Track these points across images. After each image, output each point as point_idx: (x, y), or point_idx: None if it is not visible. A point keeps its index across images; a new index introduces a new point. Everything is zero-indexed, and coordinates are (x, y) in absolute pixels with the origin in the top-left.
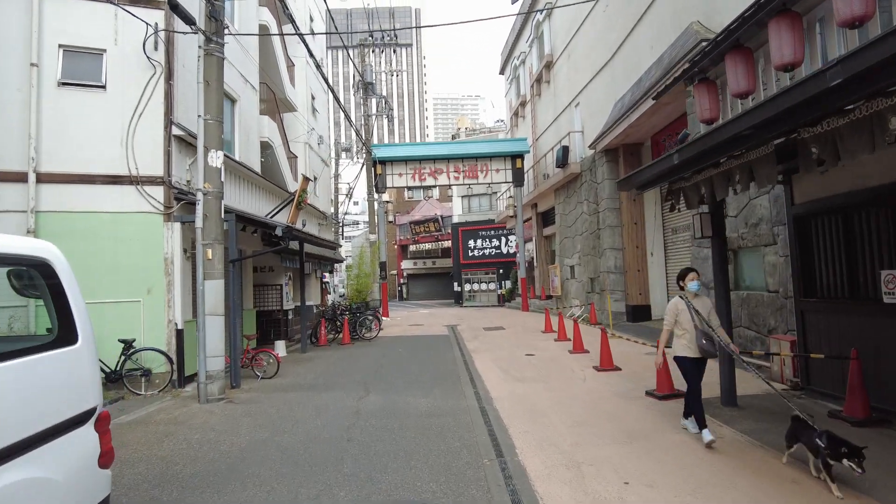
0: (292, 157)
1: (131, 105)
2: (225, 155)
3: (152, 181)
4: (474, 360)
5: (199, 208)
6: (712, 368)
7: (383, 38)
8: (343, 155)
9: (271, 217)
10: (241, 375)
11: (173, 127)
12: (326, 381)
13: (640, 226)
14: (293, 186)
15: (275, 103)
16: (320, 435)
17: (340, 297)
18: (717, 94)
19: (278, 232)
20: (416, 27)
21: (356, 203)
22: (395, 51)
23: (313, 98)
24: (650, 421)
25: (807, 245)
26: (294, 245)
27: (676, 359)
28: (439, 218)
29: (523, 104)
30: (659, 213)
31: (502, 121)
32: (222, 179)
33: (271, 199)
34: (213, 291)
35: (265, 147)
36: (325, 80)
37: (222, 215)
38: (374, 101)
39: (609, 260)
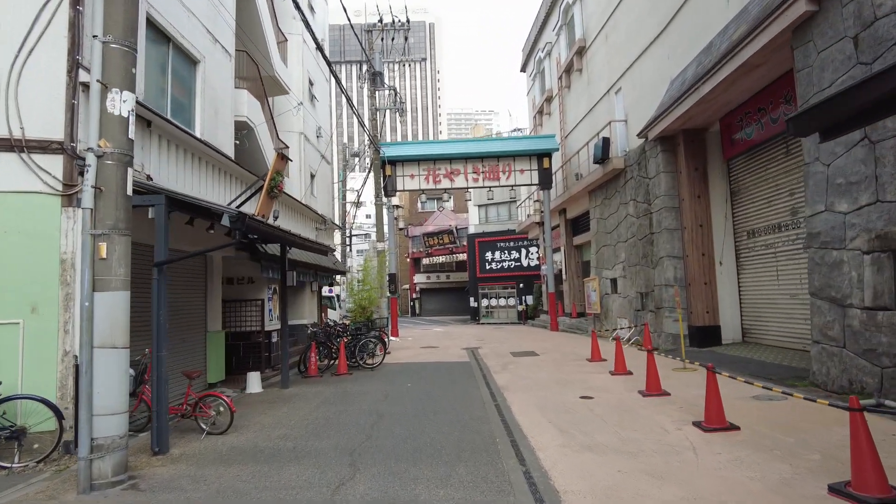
0: (283, 148)
1: (16, 37)
2: (179, 128)
3: (45, 147)
4: (510, 404)
5: (89, 178)
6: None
7: (394, 21)
8: (356, 165)
9: (237, 208)
10: (172, 431)
11: (81, 70)
12: (299, 442)
13: (707, 228)
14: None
15: (260, 82)
16: None
17: (348, 312)
18: None
19: (225, 221)
20: None
21: (368, 216)
22: (406, 38)
23: (311, 84)
24: None
25: None
26: (275, 249)
27: None
28: (454, 229)
29: (549, 100)
30: (730, 211)
31: (519, 129)
32: (131, 136)
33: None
34: (110, 309)
35: (242, 128)
36: (328, 61)
37: (128, 191)
38: (385, 110)
39: (667, 270)
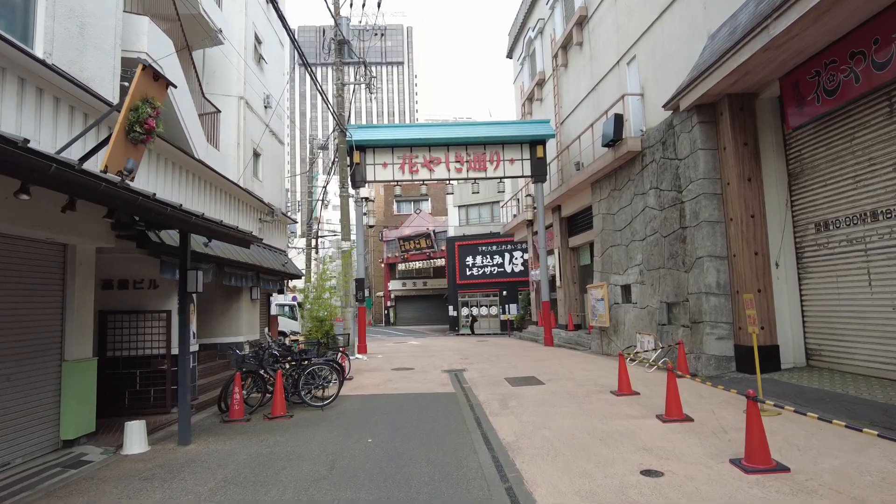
0: (212, 113)
1: None
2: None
3: None
4: (533, 489)
5: None
6: None
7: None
8: (331, 167)
9: (80, 159)
10: None
11: None
12: None
13: (760, 219)
14: (211, 156)
15: (178, 19)
16: None
17: (296, 330)
18: None
19: None
20: None
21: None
22: (379, 4)
23: (259, 42)
24: None
25: None
26: (174, 237)
27: None
28: (432, 233)
29: (540, 84)
30: (789, 198)
31: None
32: None
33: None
34: None
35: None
36: (282, 17)
37: None
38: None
39: (707, 274)
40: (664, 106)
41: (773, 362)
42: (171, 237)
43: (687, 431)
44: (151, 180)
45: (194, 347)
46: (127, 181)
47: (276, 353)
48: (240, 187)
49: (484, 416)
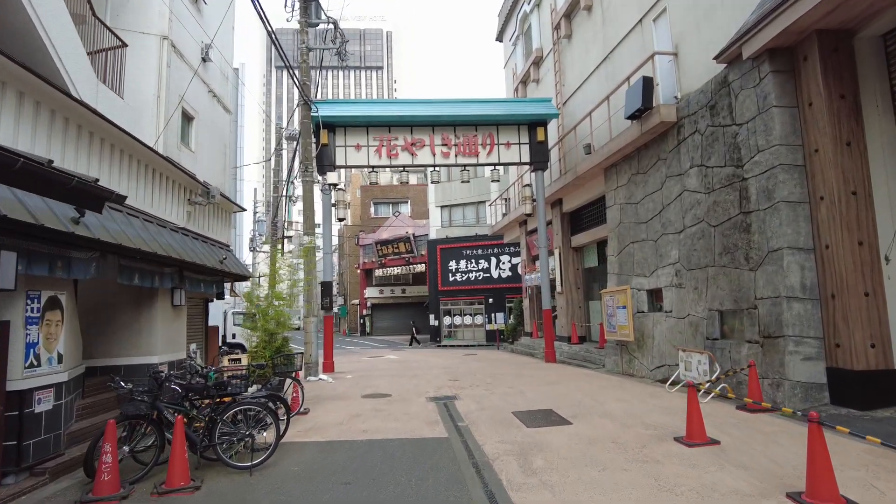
0: (114, 48)
1: None
2: None
3: None
4: None
5: None
6: None
7: None
8: (299, 160)
9: None
10: None
11: None
12: None
13: (864, 198)
14: (106, 102)
15: None
16: None
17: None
18: None
19: None
20: None
21: (318, 224)
22: None
23: None
24: None
25: None
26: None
27: None
28: (411, 237)
29: (538, 62)
30: None
31: None
32: None
33: None
34: None
35: None
36: None
37: None
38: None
39: (789, 272)
40: (717, 58)
41: (887, 393)
42: None
43: None
44: None
45: (63, 376)
46: None
47: (178, 387)
48: (156, 153)
49: (501, 492)
